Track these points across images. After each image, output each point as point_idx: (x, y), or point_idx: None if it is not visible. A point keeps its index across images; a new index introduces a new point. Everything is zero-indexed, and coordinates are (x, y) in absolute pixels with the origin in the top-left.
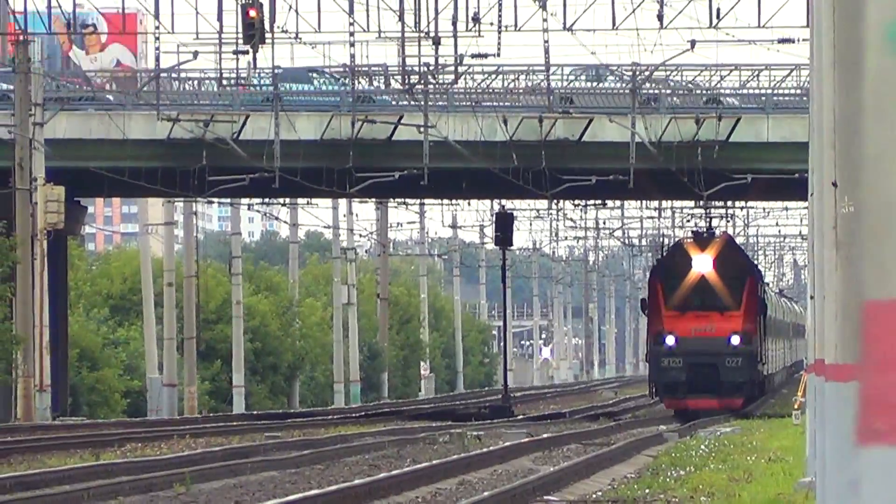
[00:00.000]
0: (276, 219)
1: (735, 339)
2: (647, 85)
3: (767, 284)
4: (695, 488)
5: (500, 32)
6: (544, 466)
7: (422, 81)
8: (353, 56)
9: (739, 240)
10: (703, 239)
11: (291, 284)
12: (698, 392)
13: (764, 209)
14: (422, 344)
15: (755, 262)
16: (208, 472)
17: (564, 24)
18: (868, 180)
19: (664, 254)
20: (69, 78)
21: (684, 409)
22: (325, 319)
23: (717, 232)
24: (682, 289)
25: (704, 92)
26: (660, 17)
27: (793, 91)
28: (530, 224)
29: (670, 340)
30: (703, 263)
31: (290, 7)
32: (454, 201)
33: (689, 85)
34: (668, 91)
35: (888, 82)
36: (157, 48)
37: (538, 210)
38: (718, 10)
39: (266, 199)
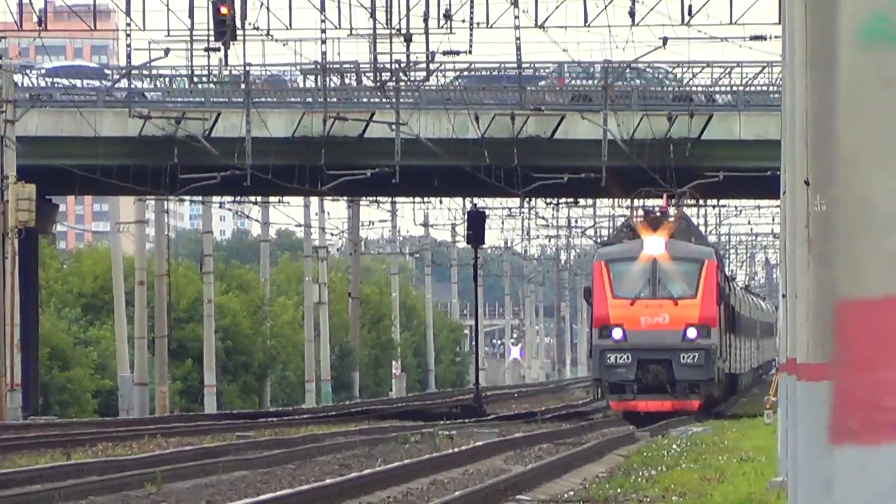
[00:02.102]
0: (248, 217)
1: (691, 332)
2: (620, 84)
3: (733, 279)
4: (666, 488)
5: (471, 29)
6: (516, 466)
7: (393, 79)
8: (324, 53)
9: (711, 238)
10: (654, 218)
11: (263, 283)
12: (649, 392)
13: (736, 207)
14: (393, 343)
15: (724, 256)
16: (180, 472)
17: (536, 21)
18: (841, 178)
19: (610, 235)
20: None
21: (633, 412)
22: (297, 318)
23: (671, 211)
24: (630, 274)
25: (676, 88)
26: (632, 14)
27: (765, 88)
28: (502, 222)
29: (617, 333)
30: (654, 246)
31: (262, 4)
32: (426, 199)
33: (663, 72)
34: (641, 85)
35: (861, 80)
36: (129, 45)
37: (510, 208)
38: (690, 7)
39: (238, 198)
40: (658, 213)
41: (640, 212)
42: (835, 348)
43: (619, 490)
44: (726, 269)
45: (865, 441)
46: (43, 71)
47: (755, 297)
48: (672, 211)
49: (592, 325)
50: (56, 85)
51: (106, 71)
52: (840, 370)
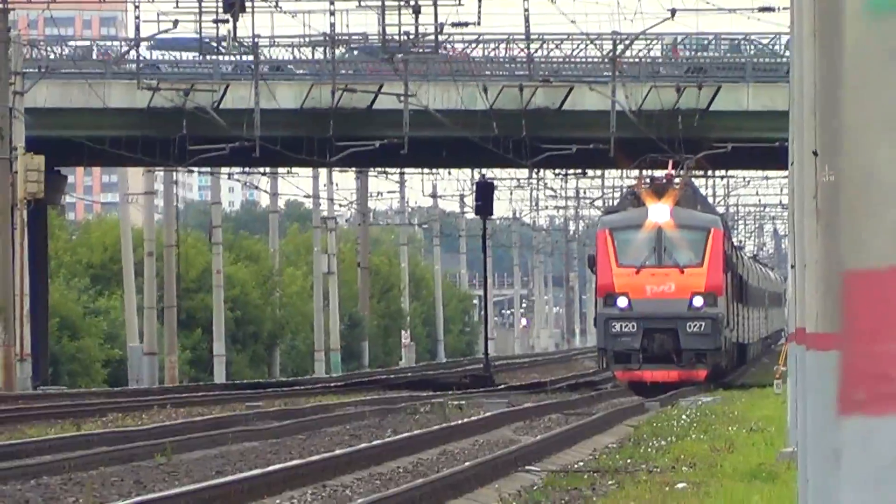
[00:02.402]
0: (257, 188)
1: (697, 301)
2: (628, 54)
3: (741, 248)
4: (676, 458)
5: (480, 1)
6: (525, 436)
7: (402, 50)
8: (333, 25)
9: (719, 209)
10: (659, 185)
11: (272, 253)
12: (655, 362)
13: (744, 178)
14: (402, 313)
15: (733, 227)
16: (189, 442)
17: None
18: (847, 149)
19: (615, 202)
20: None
21: (639, 382)
22: (306, 288)
23: (677, 179)
24: (635, 242)
25: (685, 60)
26: None
27: (773, 59)
28: (511, 193)
29: (622, 302)
30: (659, 213)
31: None
32: (434, 170)
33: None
34: (649, 59)
35: (866, 51)
36: (137, 17)
37: (518, 179)
38: None
39: (246, 169)
40: (663, 181)
41: (646, 179)
42: (843, 318)
43: (628, 460)
44: (734, 239)
45: (872, 412)
46: (151, 42)
47: (763, 267)
48: (678, 179)
49: (597, 294)
50: (163, 56)
51: (211, 42)
52: (848, 340)
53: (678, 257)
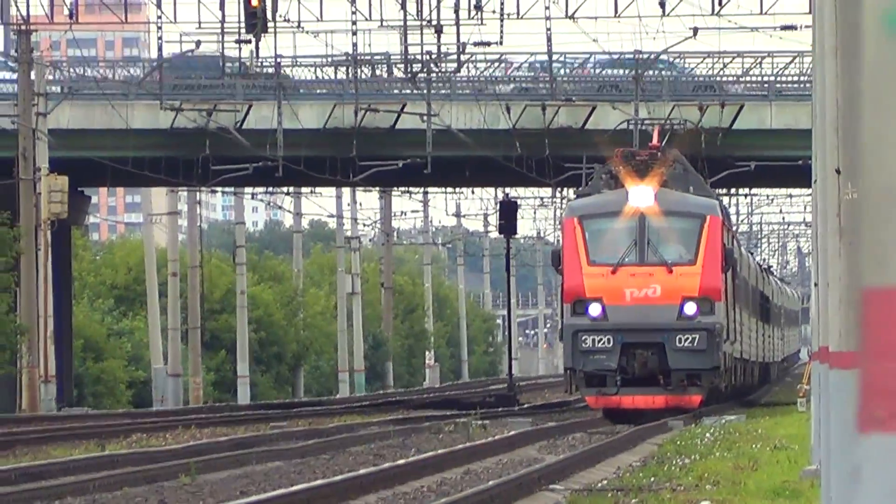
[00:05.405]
0: (280, 208)
1: (690, 308)
2: (650, 73)
3: (765, 266)
4: (700, 476)
5: (502, 20)
6: (549, 455)
7: (424, 70)
8: (355, 45)
9: (742, 228)
10: (640, 161)
11: (295, 274)
12: (637, 385)
13: (768, 196)
14: (426, 333)
15: (756, 245)
16: (214, 463)
17: (566, 11)
18: (868, 167)
19: (586, 184)
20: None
21: (616, 409)
22: (330, 309)
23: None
24: (611, 234)
25: (706, 80)
26: (662, 5)
27: (796, 78)
28: (534, 212)
29: (595, 310)
30: (641, 197)
31: None
32: (458, 190)
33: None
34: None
35: (886, 68)
36: (160, 37)
37: (542, 198)
38: None
39: (269, 189)
40: (646, 156)
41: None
42: (863, 336)
43: (652, 479)
44: (758, 257)
45: (892, 429)
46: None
47: (779, 281)
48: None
49: (563, 300)
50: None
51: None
52: (867, 358)
53: (665, 252)
